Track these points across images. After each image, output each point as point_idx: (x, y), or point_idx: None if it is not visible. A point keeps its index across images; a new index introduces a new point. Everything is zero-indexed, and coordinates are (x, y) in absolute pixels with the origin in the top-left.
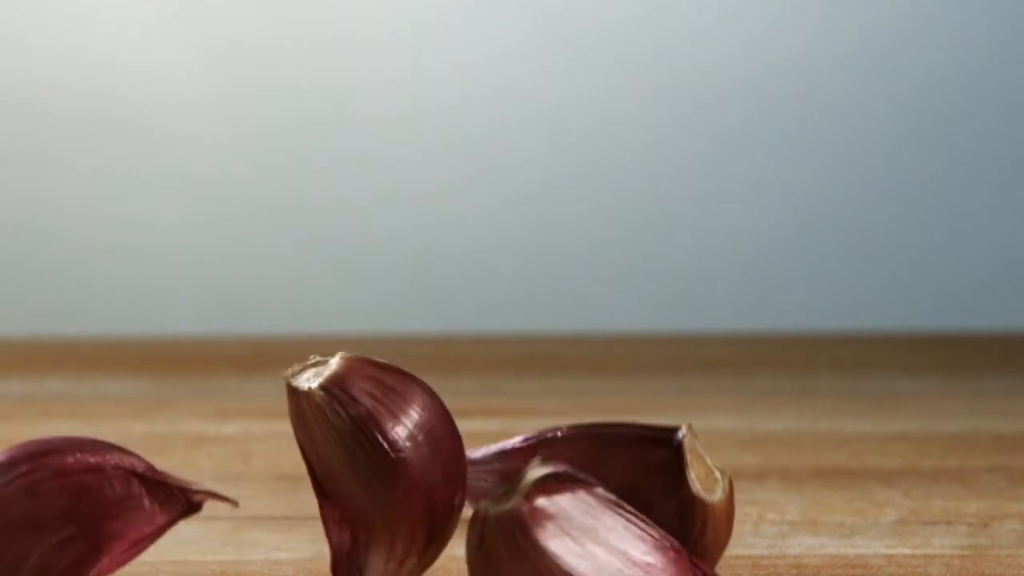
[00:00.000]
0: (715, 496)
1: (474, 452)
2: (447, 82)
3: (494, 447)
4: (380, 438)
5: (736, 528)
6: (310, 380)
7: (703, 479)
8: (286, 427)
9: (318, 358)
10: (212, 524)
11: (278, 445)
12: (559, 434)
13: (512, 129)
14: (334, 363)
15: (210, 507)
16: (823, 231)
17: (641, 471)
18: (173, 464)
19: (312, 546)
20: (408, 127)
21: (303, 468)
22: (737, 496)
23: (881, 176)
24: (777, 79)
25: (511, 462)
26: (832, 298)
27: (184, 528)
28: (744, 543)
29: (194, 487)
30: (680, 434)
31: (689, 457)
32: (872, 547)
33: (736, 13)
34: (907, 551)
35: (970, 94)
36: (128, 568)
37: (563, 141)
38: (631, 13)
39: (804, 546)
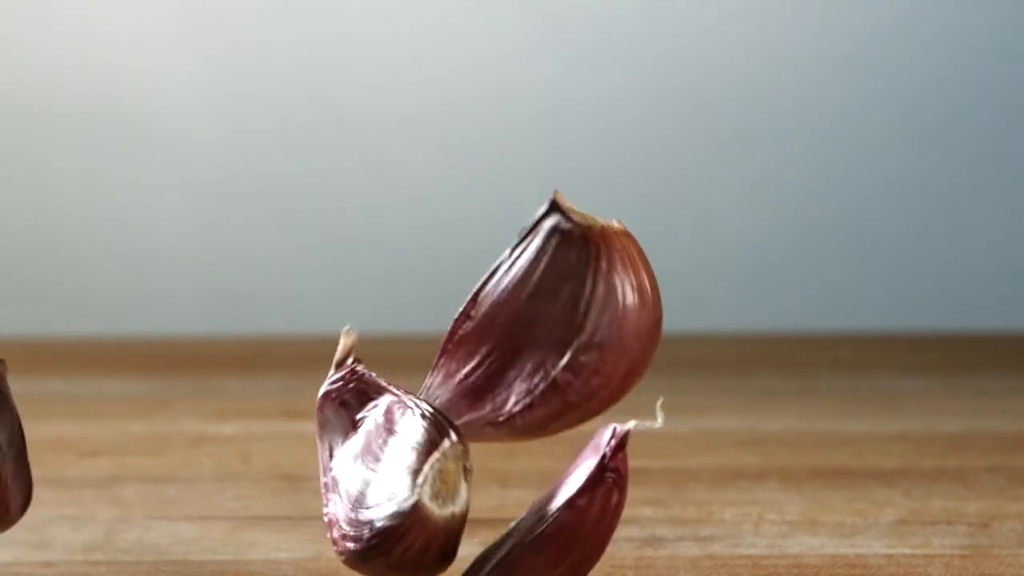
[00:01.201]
0: (605, 221)
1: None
2: (447, 82)
3: (431, 378)
4: (372, 550)
5: (736, 528)
6: (424, 482)
7: (592, 220)
8: (286, 427)
9: (460, 476)
10: (212, 524)
11: (278, 445)
12: (469, 322)
13: (512, 129)
14: (429, 520)
15: (210, 507)
16: (823, 231)
17: (539, 261)
18: (173, 464)
19: (312, 546)
20: (408, 127)
21: (303, 468)
22: (737, 496)
23: (881, 176)
24: (777, 79)
25: (449, 373)
26: (832, 298)
27: (184, 528)
28: (744, 543)
29: None
30: (551, 196)
31: (566, 207)
32: (872, 547)
33: (736, 13)
34: (907, 551)
35: (970, 94)
36: (127, 568)
37: (563, 141)
38: (631, 13)
39: (804, 546)
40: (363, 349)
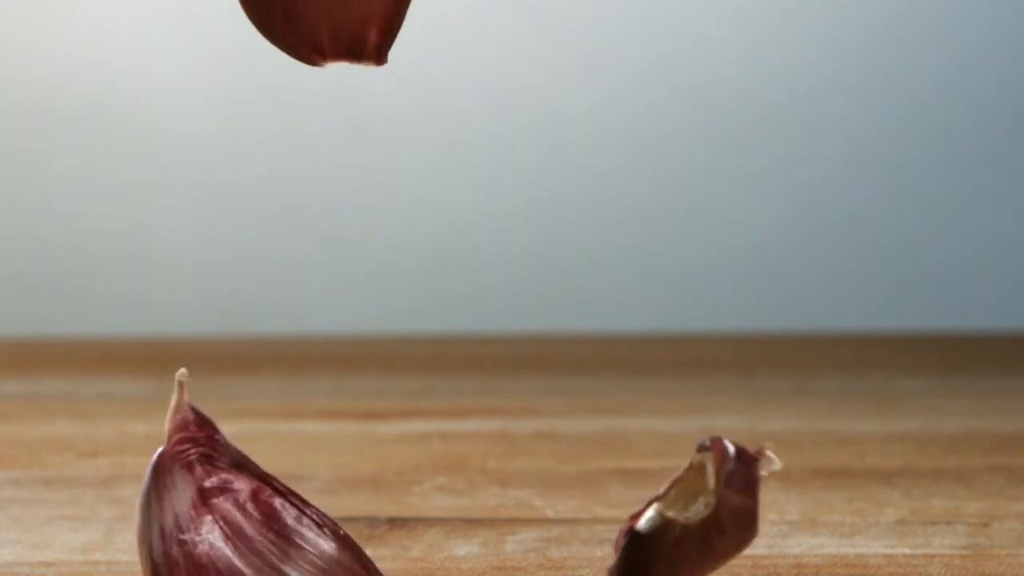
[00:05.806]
0: None
1: None
2: (448, 83)
3: None
4: None
5: None
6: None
7: None
8: (286, 427)
9: None
10: None
11: (278, 445)
12: None
13: (512, 130)
14: None
15: None
16: (823, 231)
17: None
18: None
19: None
20: (408, 127)
21: (303, 469)
22: None
23: (882, 176)
24: (777, 80)
25: None
26: (832, 298)
27: None
28: None
29: None
30: None
31: None
32: (872, 547)
33: (736, 14)
34: (907, 551)
35: (970, 94)
36: (127, 568)
37: (563, 141)
38: (631, 14)
39: (804, 546)
40: (363, 349)
